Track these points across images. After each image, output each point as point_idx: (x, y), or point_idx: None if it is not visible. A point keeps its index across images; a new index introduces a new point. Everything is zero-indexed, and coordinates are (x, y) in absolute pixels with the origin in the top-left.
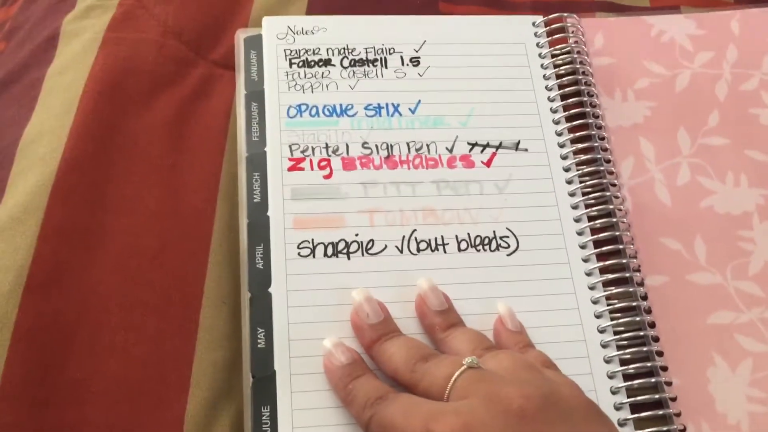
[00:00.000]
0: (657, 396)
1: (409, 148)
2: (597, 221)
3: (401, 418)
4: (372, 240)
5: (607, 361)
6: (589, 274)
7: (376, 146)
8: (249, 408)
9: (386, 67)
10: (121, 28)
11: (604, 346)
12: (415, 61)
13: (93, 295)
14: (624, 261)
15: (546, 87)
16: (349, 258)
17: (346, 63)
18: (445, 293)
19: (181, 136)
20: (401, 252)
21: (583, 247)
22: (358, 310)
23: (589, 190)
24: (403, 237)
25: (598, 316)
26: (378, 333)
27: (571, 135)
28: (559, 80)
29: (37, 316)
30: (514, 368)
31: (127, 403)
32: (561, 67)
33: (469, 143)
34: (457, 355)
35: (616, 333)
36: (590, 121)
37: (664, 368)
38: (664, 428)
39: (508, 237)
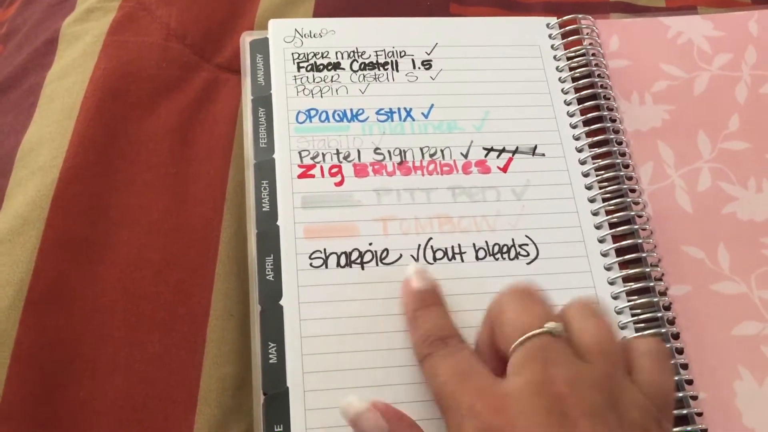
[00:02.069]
0: (684, 411)
1: (422, 154)
2: (618, 228)
3: (453, 380)
4: (386, 249)
5: None
6: (611, 283)
7: (389, 152)
8: (261, 427)
9: (397, 70)
10: (122, 31)
11: None
12: (427, 64)
13: (96, 310)
14: (647, 270)
15: (562, 90)
16: (363, 268)
17: (355, 66)
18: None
19: (185, 142)
20: (417, 261)
21: (604, 255)
22: (408, 280)
23: (609, 196)
24: (419, 245)
25: (622, 328)
26: (419, 299)
27: (589, 139)
28: (575, 83)
29: (38, 332)
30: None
31: (132, 422)
32: (576, 70)
33: (484, 148)
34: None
35: None
36: (608, 125)
37: (690, 382)
38: None
39: (527, 245)
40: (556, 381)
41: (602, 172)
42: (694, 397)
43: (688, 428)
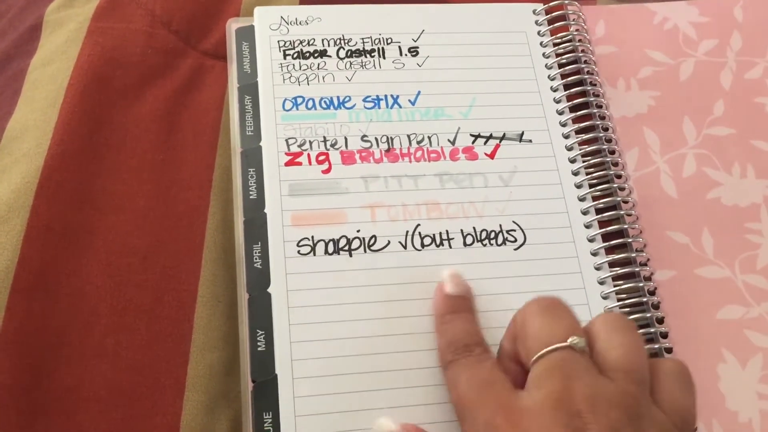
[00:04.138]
0: None
1: (410, 141)
2: (604, 214)
3: (474, 391)
4: (374, 236)
5: None
6: (598, 269)
7: (376, 139)
8: (250, 414)
9: (384, 57)
10: (106, 17)
11: None
12: (414, 51)
13: (82, 297)
14: (633, 255)
15: (548, 76)
16: (351, 255)
17: (342, 54)
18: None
19: (171, 129)
20: (405, 248)
21: (591, 240)
22: (441, 285)
23: (595, 182)
24: (407, 232)
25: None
26: (450, 304)
27: (576, 126)
28: (561, 69)
29: (24, 319)
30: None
31: (119, 409)
32: (563, 56)
33: (471, 135)
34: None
35: None
36: (594, 111)
37: None
38: None
39: (514, 231)
40: (576, 396)
41: (588, 158)
42: None
43: None
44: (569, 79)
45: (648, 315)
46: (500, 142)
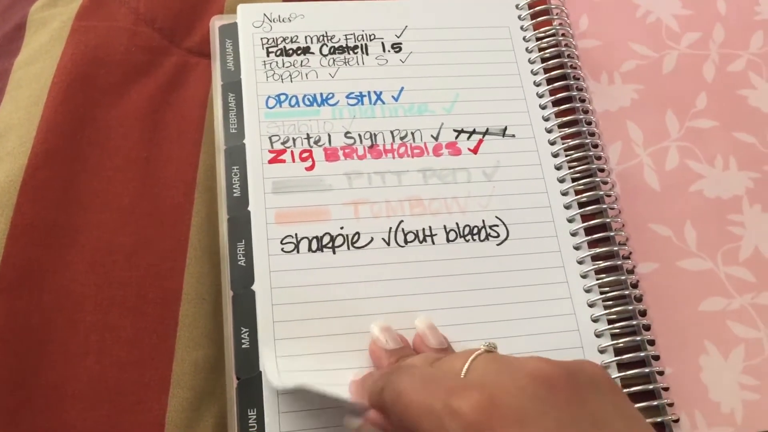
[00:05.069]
0: (651, 386)
1: (393, 137)
2: (587, 208)
3: (419, 389)
4: (358, 233)
5: (601, 351)
6: (580, 263)
7: (360, 136)
8: (234, 411)
9: (367, 53)
10: (90, 16)
11: (598, 335)
12: (397, 47)
13: (67, 294)
14: (615, 248)
15: (531, 71)
16: (334, 252)
17: (325, 50)
18: (444, 335)
19: (155, 127)
20: (388, 244)
21: (574, 234)
22: (376, 340)
23: (578, 176)
24: (390, 228)
25: (591, 305)
26: (397, 355)
27: (559, 120)
28: (544, 64)
29: (9, 317)
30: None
31: (105, 405)
32: (546, 51)
33: (455, 130)
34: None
35: (609, 322)
36: (577, 105)
37: (656, 357)
38: (659, 419)
39: (497, 226)
40: (527, 367)
41: (571, 152)
42: (661, 373)
43: (654, 402)
44: (552, 73)
45: (630, 308)
46: (483, 137)
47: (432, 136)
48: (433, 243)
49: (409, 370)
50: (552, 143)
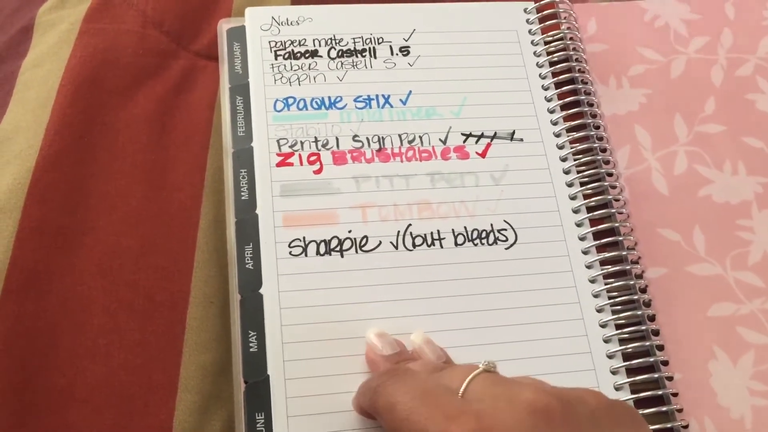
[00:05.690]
0: (660, 392)
1: (401, 140)
2: (596, 212)
3: (416, 408)
4: (366, 236)
5: (610, 356)
6: (589, 267)
7: (367, 139)
8: (242, 415)
9: (375, 57)
10: (98, 18)
11: (606, 341)
12: (405, 51)
13: (74, 297)
14: (624, 253)
15: (540, 75)
16: (342, 256)
17: (333, 54)
18: (442, 348)
19: (163, 130)
20: (396, 248)
21: (582, 239)
22: (372, 347)
23: (586, 180)
24: (398, 232)
25: (599, 311)
26: (393, 360)
27: (567, 124)
28: (552, 68)
29: (17, 320)
30: (529, 378)
31: (112, 409)
32: (554, 55)
33: (463, 134)
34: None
35: (617, 327)
36: (585, 109)
37: (665, 363)
38: (668, 425)
39: (506, 230)
40: (523, 395)
41: (580, 156)
42: (670, 378)
43: (664, 408)
44: (560, 77)
45: (639, 313)
46: (491, 141)
47: (440, 139)
48: (442, 247)
49: (406, 377)
50: (560, 147)
